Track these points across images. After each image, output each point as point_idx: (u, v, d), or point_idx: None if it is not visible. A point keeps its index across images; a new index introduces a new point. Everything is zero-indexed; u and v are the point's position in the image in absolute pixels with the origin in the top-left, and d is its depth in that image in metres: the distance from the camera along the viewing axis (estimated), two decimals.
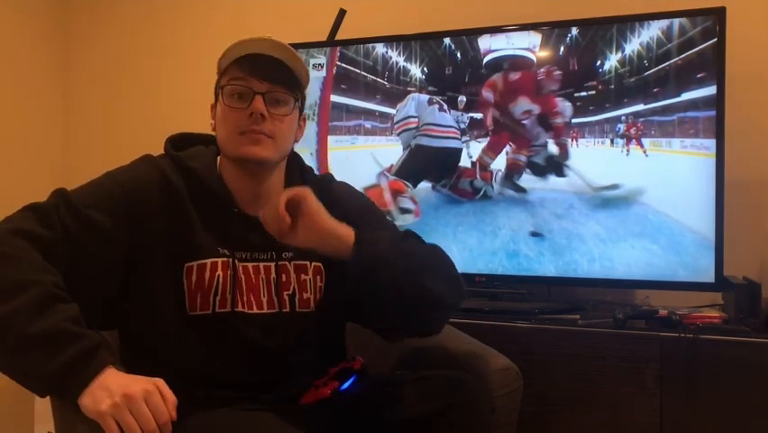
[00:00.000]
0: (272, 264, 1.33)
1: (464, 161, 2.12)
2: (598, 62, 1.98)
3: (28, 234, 1.15)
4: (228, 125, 1.30)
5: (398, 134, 2.19)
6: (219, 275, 1.27)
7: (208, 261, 1.27)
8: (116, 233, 1.23)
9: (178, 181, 1.30)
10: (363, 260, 1.23)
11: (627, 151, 1.95)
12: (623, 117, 1.96)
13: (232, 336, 1.27)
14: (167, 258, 1.26)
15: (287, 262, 1.34)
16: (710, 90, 1.87)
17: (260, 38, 1.30)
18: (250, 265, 1.31)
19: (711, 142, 1.87)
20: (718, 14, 1.86)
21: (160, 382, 1.06)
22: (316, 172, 1.54)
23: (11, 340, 1.05)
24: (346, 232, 1.25)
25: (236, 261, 1.29)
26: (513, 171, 2.07)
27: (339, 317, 1.43)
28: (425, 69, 2.16)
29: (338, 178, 2.25)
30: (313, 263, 1.37)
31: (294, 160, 1.43)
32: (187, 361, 1.26)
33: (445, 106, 2.14)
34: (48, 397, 1.27)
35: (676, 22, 1.91)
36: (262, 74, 1.28)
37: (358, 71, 2.22)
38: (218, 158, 1.37)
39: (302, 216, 1.22)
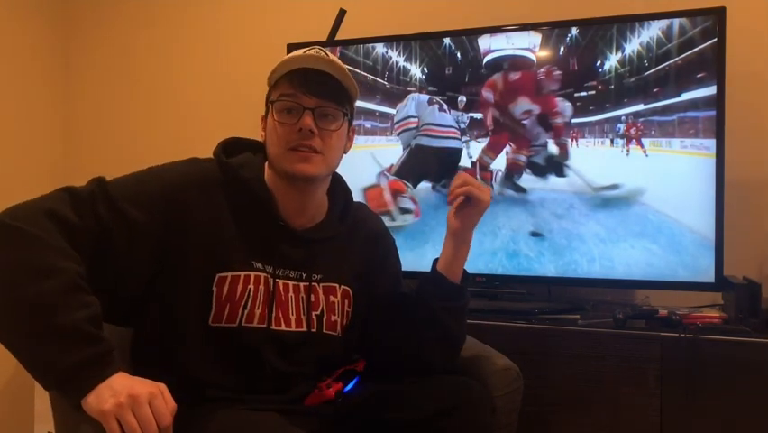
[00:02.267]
0: (302, 284, 1.33)
1: (464, 161, 2.12)
2: (598, 62, 1.98)
3: (59, 217, 1.13)
4: (278, 141, 1.28)
5: (398, 134, 2.19)
6: (251, 289, 1.26)
7: (242, 273, 1.26)
8: (150, 231, 1.21)
9: (221, 188, 1.28)
10: (465, 292, 1.40)
11: (627, 151, 1.95)
12: (623, 117, 1.96)
13: (252, 350, 1.27)
14: (199, 264, 1.24)
15: (315, 283, 1.34)
16: (710, 90, 1.87)
17: (311, 53, 1.29)
18: (281, 282, 1.30)
19: (711, 142, 1.87)
20: (718, 14, 1.87)
21: (163, 386, 1.05)
22: None
23: (29, 326, 1.04)
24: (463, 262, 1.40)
25: (272, 276, 1.29)
26: (513, 171, 2.07)
27: (358, 343, 1.43)
28: (425, 69, 2.16)
29: None
30: (342, 286, 1.38)
31: (338, 181, 1.43)
32: (198, 367, 1.25)
33: (445, 106, 2.14)
34: (48, 397, 1.27)
35: (676, 22, 1.91)
36: (312, 89, 1.27)
37: (358, 71, 2.22)
38: (268, 159, 1.35)
39: (471, 206, 1.35)
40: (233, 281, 1.25)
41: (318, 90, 1.27)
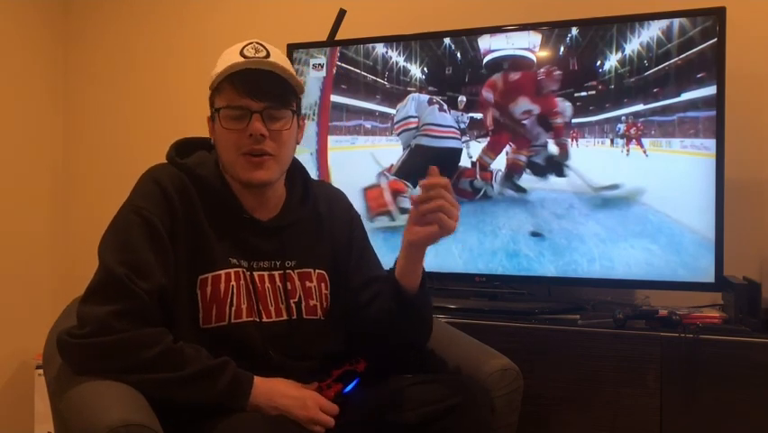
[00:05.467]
0: (277, 273, 1.34)
1: (464, 161, 2.12)
2: (598, 62, 1.98)
3: (121, 313, 1.18)
4: (228, 147, 1.29)
5: (398, 134, 2.19)
6: (233, 285, 1.28)
7: (222, 272, 1.28)
8: (167, 258, 1.24)
9: (189, 189, 1.29)
10: (426, 295, 1.37)
11: (627, 151, 1.95)
12: (623, 117, 1.96)
13: (246, 346, 1.28)
14: (184, 269, 1.26)
15: (291, 271, 1.35)
16: (710, 90, 1.87)
17: (249, 52, 1.28)
18: (257, 274, 1.32)
19: (711, 142, 1.87)
20: (718, 14, 1.86)
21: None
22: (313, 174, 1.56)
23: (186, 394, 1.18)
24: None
25: (248, 270, 1.30)
26: (513, 171, 2.07)
27: (343, 325, 1.43)
28: (425, 69, 2.16)
29: (338, 178, 2.26)
30: (316, 271, 1.38)
31: (293, 164, 1.43)
32: None
33: (445, 106, 2.14)
34: (48, 397, 1.28)
35: (676, 22, 1.91)
36: (257, 92, 1.27)
37: (358, 71, 2.22)
38: (221, 164, 1.36)
39: (436, 230, 1.26)
40: (215, 281, 1.27)
41: (264, 93, 1.27)
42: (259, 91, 1.26)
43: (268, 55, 1.29)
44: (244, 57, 1.28)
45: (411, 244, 1.30)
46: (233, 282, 1.28)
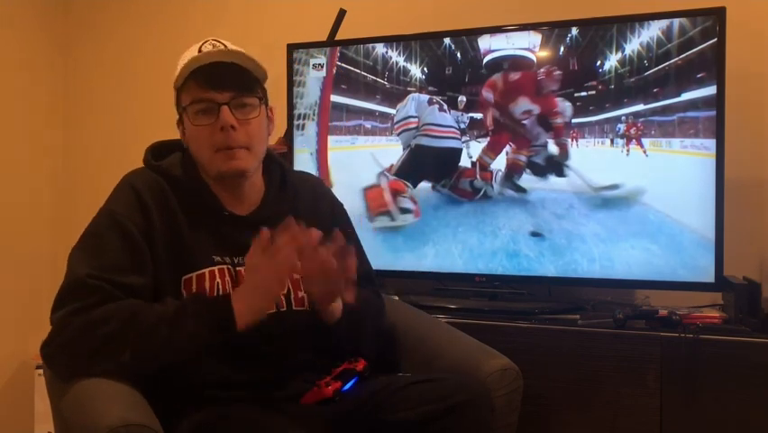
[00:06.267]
0: None
1: (464, 161, 2.12)
2: (598, 62, 1.98)
3: (79, 310, 1.19)
4: (201, 144, 1.30)
5: (398, 134, 2.19)
6: (218, 283, 1.28)
7: (206, 270, 1.28)
8: (143, 258, 1.25)
9: (166, 192, 1.30)
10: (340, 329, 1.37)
11: (627, 151, 1.95)
12: (623, 117, 1.96)
13: (235, 341, 1.27)
14: (168, 271, 1.27)
15: None
16: (710, 90, 1.87)
17: (207, 48, 1.31)
18: (241, 270, 1.31)
19: (711, 142, 1.87)
20: (718, 14, 1.86)
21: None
22: (302, 170, 1.57)
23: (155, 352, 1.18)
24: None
25: (232, 266, 1.30)
26: (513, 171, 2.07)
27: None
28: (425, 69, 2.16)
29: (338, 178, 2.26)
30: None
31: (270, 157, 1.44)
32: (190, 369, 1.26)
33: (445, 106, 2.14)
34: (48, 396, 1.28)
35: (676, 22, 1.91)
36: (221, 84, 1.28)
37: (358, 71, 2.22)
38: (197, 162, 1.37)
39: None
40: (200, 280, 1.28)
41: (227, 83, 1.28)
42: (222, 83, 1.28)
43: (225, 48, 1.31)
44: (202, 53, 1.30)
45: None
46: (218, 280, 1.28)
